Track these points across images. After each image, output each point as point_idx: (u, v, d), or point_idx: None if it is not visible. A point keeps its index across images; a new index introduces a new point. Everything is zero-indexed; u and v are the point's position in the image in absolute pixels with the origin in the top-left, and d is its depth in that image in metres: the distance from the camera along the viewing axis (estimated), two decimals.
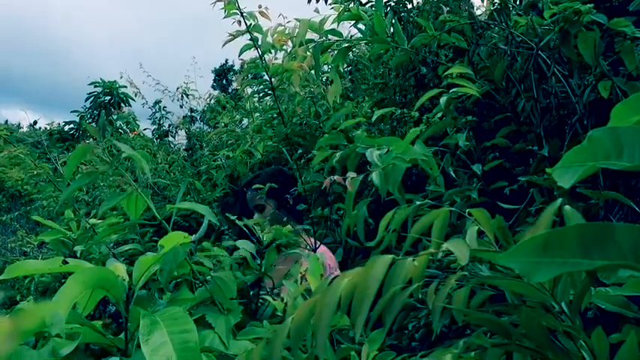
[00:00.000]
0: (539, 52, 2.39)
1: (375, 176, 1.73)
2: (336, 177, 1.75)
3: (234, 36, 2.35)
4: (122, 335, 1.56)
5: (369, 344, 1.31)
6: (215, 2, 2.29)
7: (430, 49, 3.25)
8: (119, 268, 1.50)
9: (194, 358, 1.25)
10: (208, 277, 1.72)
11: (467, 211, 1.15)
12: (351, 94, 4.79)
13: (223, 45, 2.37)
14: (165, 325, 1.32)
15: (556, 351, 0.98)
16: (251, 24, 2.32)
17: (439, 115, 2.44)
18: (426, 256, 1.00)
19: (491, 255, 0.98)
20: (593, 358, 0.99)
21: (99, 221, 2.82)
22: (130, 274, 1.53)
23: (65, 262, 1.46)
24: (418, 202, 1.35)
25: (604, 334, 1.01)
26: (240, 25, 2.33)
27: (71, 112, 11.94)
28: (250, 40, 2.34)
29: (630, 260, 0.70)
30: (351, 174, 1.74)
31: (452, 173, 2.31)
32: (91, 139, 1.81)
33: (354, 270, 0.99)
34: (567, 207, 0.93)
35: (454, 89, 2.33)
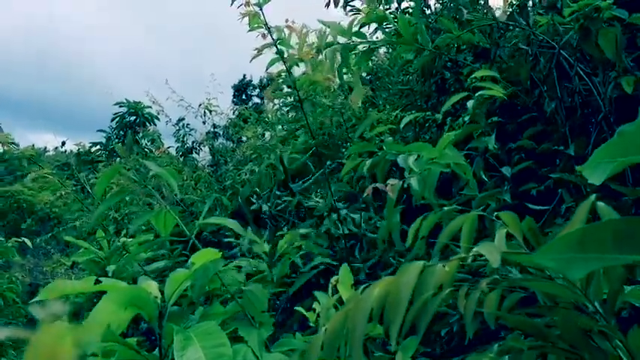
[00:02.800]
0: (561, 51, 2.37)
1: (413, 182, 1.75)
2: (378, 184, 1.77)
3: (260, 50, 2.37)
4: (156, 351, 1.57)
5: (403, 351, 1.31)
6: (242, 18, 2.32)
7: (450, 53, 3.24)
8: (151, 285, 1.51)
9: None
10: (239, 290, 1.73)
11: (495, 214, 1.14)
12: (374, 101, 4.79)
13: (251, 60, 2.39)
14: (198, 340, 1.33)
15: (592, 351, 0.97)
16: (277, 39, 2.34)
17: (467, 118, 2.43)
18: (456, 261, 0.99)
19: (524, 256, 0.97)
20: (630, 358, 0.98)
21: (129, 239, 2.86)
22: (161, 291, 1.55)
23: (98, 282, 1.48)
24: (446, 208, 1.35)
25: None
26: (264, 38, 2.35)
27: (97, 131, 12.11)
28: (277, 53, 2.36)
29: None
30: (391, 180, 1.75)
31: (484, 177, 2.29)
32: (118, 159, 1.84)
33: (384, 278, 0.99)
34: (600, 203, 0.92)
35: (480, 92, 2.31)
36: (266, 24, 2.26)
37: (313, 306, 1.30)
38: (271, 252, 1.89)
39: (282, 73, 2.37)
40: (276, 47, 2.28)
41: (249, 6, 2.23)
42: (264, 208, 3.07)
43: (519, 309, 1.17)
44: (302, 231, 2.19)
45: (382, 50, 5.22)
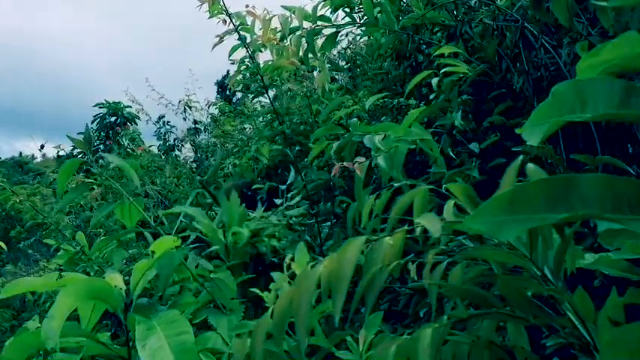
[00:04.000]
0: (526, 24, 2.37)
1: (380, 160, 1.74)
2: (345, 163, 1.77)
3: (221, 37, 2.36)
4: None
5: (367, 329, 1.31)
6: (201, 5, 2.30)
7: (424, 35, 3.23)
8: (115, 277, 1.51)
9: (191, 359, 1.26)
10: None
11: (444, 186, 1.14)
12: (352, 88, 4.78)
13: (212, 48, 2.37)
14: (161, 329, 1.33)
15: (538, 315, 0.97)
16: (239, 24, 2.33)
17: (432, 96, 2.43)
18: (401, 235, 0.99)
19: (460, 224, 0.97)
20: (579, 319, 0.98)
21: (103, 237, 2.85)
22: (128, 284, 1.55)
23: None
24: (396, 184, 1.35)
25: (586, 295, 1.00)
26: (225, 24, 2.33)
27: (78, 134, 12.07)
28: (239, 39, 2.35)
29: (596, 210, 0.69)
30: (359, 158, 1.75)
31: (451, 153, 2.29)
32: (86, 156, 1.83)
33: (331, 255, 0.99)
34: (530, 165, 0.93)
35: (445, 69, 2.32)
36: (226, 10, 2.24)
37: (270, 286, 1.30)
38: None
39: (245, 60, 2.36)
40: (238, 33, 2.27)
41: None
42: None
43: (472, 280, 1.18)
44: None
45: (362, 39, 5.22)
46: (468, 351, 1.23)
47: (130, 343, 1.52)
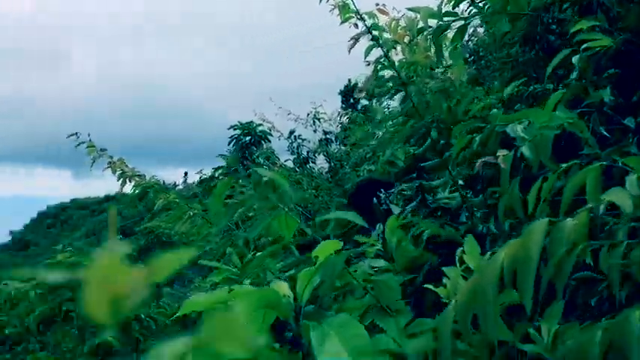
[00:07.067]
0: None
1: (525, 149, 1.67)
2: (487, 158, 1.71)
3: (356, 39, 2.36)
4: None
5: (547, 320, 1.25)
6: (333, 9, 2.33)
7: (553, 14, 3.09)
8: (282, 286, 1.54)
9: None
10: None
11: (620, 161, 1.07)
12: (481, 81, 4.67)
13: (349, 50, 2.39)
14: (335, 333, 1.34)
15: None
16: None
17: (574, 74, 2.31)
18: (585, 213, 0.93)
19: None
20: None
21: (259, 253, 2.94)
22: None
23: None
24: (564, 165, 1.28)
25: None
26: (357, 27, 2.35)
27: (217, 156, 12.60)
28: (372, 40, 2.35)
29: None
30: (501, 151, 1.69)
31: (604, 132, 2.16)
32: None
33: (510, 242, 0.95)
34: None
35: (585, 45, 2.19)
36: (357, 12, 2.25)
37: (443, 281, 1.27)
38: (383, 244, 1.88)
39: (381, 59, 2.35)
40: (371, 33, 2.27)
41: None
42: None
43: None
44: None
45: (481, 30, 5.11)
46: None
47: (303, 350, 1.55)
